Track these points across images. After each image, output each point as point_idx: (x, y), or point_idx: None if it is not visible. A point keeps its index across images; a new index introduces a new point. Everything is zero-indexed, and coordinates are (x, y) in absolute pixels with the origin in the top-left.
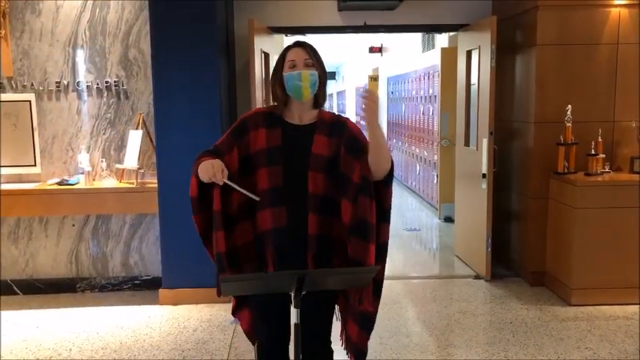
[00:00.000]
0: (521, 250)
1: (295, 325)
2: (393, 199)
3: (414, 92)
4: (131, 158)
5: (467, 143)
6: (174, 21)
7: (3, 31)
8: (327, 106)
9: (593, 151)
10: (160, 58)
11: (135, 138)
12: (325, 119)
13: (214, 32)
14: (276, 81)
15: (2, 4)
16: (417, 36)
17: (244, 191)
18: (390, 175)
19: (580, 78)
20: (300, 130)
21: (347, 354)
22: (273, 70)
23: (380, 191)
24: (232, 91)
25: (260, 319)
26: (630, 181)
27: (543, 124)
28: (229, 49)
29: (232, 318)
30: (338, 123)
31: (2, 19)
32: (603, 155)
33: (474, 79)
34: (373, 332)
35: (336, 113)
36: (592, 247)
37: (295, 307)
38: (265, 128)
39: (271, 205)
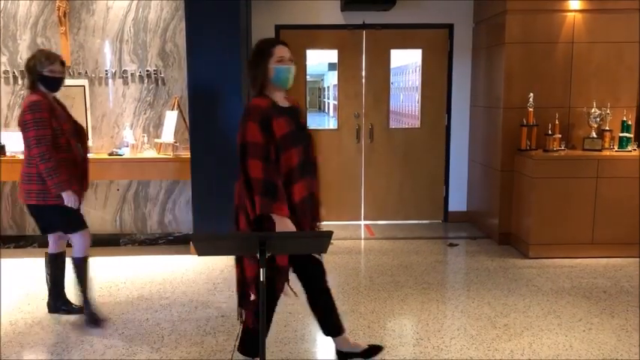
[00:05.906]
0: (492, 215)
1: (261, 282)
2: None
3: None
4: (168, 134)
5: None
6: (205, 19)
7: (63, 28)
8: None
9: (550, 132)
10: (194, 50)
11: (171, 117)
12: (294, 102)
13: (237, 29)
14: (261, 71)
15: (63, 6)
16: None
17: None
18: None
19: (541, 71)
20: (289, 111)
21: None
22: (254, 62)
23: None
24: None
25: None
26: (578, 157)
27: (510, 109)
28: (248, 42)
29: None
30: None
31: (63, 18)
32: (559, 135)
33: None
34: (368, 271)
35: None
36: (547, 210)
37: (261, 266)
38: (282, 116)
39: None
